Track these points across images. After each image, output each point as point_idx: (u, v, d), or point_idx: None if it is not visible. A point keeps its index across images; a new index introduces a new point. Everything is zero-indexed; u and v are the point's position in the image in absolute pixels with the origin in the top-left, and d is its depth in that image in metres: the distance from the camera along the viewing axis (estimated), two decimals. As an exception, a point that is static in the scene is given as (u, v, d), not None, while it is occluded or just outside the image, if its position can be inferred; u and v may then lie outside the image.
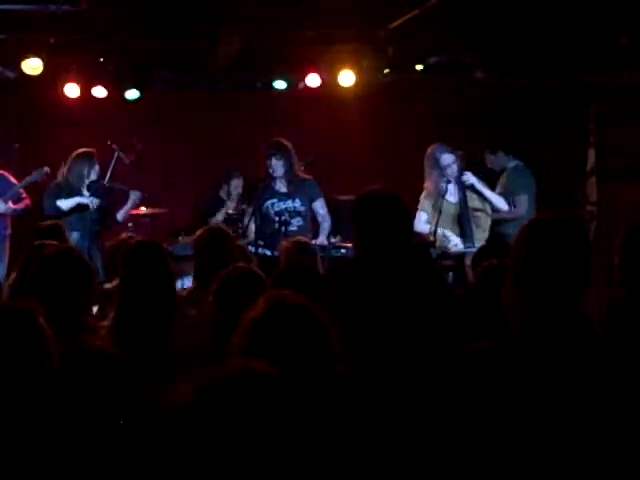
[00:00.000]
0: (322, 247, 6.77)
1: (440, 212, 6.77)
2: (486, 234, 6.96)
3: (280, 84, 8.89)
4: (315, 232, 7.17)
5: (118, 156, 8.11)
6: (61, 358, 2.29)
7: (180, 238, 8.25)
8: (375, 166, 9.33)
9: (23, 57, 7.59)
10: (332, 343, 2.39)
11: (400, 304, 3.54)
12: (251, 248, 6.70)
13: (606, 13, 6.92)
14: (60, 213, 7.47)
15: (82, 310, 3.18)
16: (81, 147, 7.80)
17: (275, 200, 7.09)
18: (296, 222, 7.05)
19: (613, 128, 8.67)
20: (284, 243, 5.60)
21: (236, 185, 8.94)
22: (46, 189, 7.73)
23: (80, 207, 7.61)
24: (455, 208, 6.94)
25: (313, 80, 8.54)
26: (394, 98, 9.39)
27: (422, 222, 6.87)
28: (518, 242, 2.43)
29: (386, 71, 8.60)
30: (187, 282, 7.52)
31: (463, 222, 6.91)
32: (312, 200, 7.14)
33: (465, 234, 6.87)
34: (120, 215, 7.87)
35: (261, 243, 6.95)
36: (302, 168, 7.41)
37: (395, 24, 7.33)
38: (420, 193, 7.09)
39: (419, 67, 8.55)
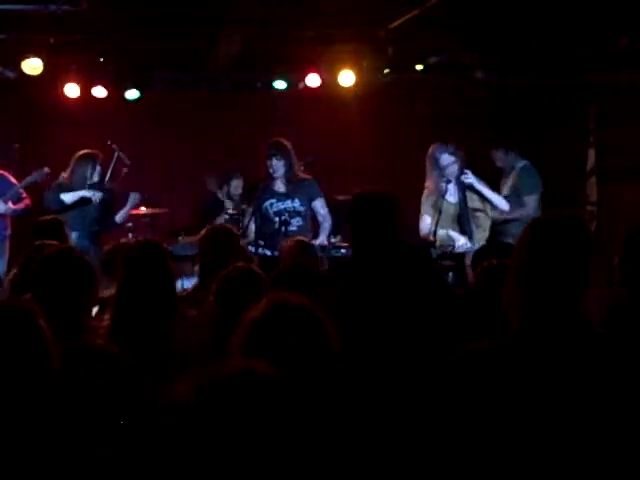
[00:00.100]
0: (322, 247, 6.77)
1: (440, 212, 6.77)
2: (486, 234, 6.95)
3: (280, 84, 8.89)
4: (315, 232, 7.17)
5: (118, 156, 8.11)
6: (61, 357, 2.29)
7: (180, 238, 8.25)
8: (375, 166, 9.34)
9: (23, 57, 7.59)
10: (332, 343, 2.39)
11: (400, 304, 3.54)
12: (251, 248, 6.70)
13: (606, 13, 6.92)
14: (63, 207, 7.49)
15: (83, 310, 3.18)
16: (81, 147, 7.80)
17: (274, 200, 7.09)
18: (296, 222, 7.05)
19: (613, 128, 8.67)
20: (286, 243, 5.60)
21: (236, 185, 8.95)
22: (47, 188, 7.73)
23: (83, 201, 7.62)
24: (455, 208, 6.94)
25: (313, 80, 8.54)
26: (394, 98, 9.39)
27: (426, 225, 6.88)
28: (520, 242, 2.43)
29: (386, 71, 8.60)
30: (187, 282, 7.53)
31: (463, 222, 6.91)
32: (312, 200, 7.13)
33: (465, 234, 6.87)
34: (119, 217, 7.87)
35: (261, 243, 6.95)
36: (302, 168, 7.41)
37: (395, 24, 7.33)
38: (420, 193, 7.08)
39: (419, 67, 8.56)
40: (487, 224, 7.04)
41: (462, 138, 7.31)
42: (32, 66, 7.61)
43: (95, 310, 3.87)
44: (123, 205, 7.87)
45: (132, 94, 8.65)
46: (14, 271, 4.43)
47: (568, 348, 2.26)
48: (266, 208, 7.10)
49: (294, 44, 7.91)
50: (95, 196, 7.63)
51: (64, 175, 7.70)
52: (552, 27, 7.42)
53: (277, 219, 7.01)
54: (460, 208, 6.93)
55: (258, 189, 7.17)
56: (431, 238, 6.75)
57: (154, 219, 8.68)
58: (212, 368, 1.76)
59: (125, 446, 2.38)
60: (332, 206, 7.34)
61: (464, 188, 6.94)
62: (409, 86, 9.21)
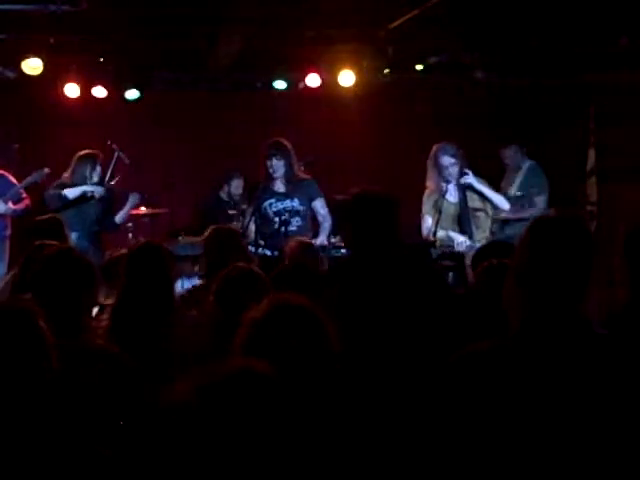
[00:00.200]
0: (322, 247, 6.77)
1: (440, 212, 6.77)
2: (486, 234, 6.95)
3: (280, 84, 8.89)
4: (315, 232, 7.17)
5: (118, 156, 8.12)
6: (61, 357, 2.29)
7: (180, 238, 8.25)
8: (375, 166, 9.34)
9: (23, 57, 7.59)
10: (332, 343, 2.39)
11: (400, 304, 3.54)
12: (251, 248, 6.70)
13: (606, 13, 6.92)
14: (65, 203, 7.50)
15: (83, 310, 3.18)
16: (81, 147, 7.81)
17: (273, 200, 7.09)
18: (296, 222, 7.05)
19: (613, 128, 8.67)
20: (289, 243, 5.61)
21: (237, 185, 8.95)
22: (47, 189, 7.74)
23: (84, 198, 7.62)
24: (455, 208, 6.94)
25: (313, 80, 8.54)
26: (394, 98, 9.39)
27: (428, 227, 6.88)
28: (521, 242, 2.43)
29: (386, 71, 8.61)
30: (187, 282, 7.54)
31: (463, 222, 6.91)
32: (312, 200, 7.13)
33: (465, 234, 6.87)
34: (119, 217, 7.88)
35: (261, 243, 6.95)
36: (302, 168, 7.41)
37: (395, 24, 7.33)
38: (420, 193, 7.09)
39: (419, 67, 8.56)
40: (487, 224, 7.04)
41: (462, 138, 7.31)
42: (32, 66, 7.61)
43: (95, 311, 3.87)
44: (123, 205, 7.88)
45: (132, 94, 8.65)
46: (14, 271, 4.43)
47: (568, 348, 2.26)
48: (266, 208, 7.10)
49: (294, 44, 7.90)
50: (97, 191, 7.65)
51: (65, 175, 7.71)
52: (552, 27, 7.42)
53: (277, 219, 7.01)
54: (460, 208, 6.93)
55: (258, 189, 7.17)
56: (431, 238, 6.76)
57: (154, 219, 8.68)
58: (211, 368, 1.76)
59: (125, 446, 2.38)
60: (332, 206, 7.34)
61: (464, 188, 6.94)
62: (409, 86, 9.21)
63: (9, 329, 2.24)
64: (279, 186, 7.14)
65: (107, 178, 7.91)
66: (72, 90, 8.28)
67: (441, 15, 6.95)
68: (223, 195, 9.03)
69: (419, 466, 2.40)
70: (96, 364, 2.88)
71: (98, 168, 7.76)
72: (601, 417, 2.21)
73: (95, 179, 7.74)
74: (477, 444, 2.08)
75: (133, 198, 7.86)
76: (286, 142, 7.11)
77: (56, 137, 8.88)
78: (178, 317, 3.84)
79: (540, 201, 7.90)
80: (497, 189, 7.43)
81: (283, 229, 6.94)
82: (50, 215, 6.06)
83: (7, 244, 7.89)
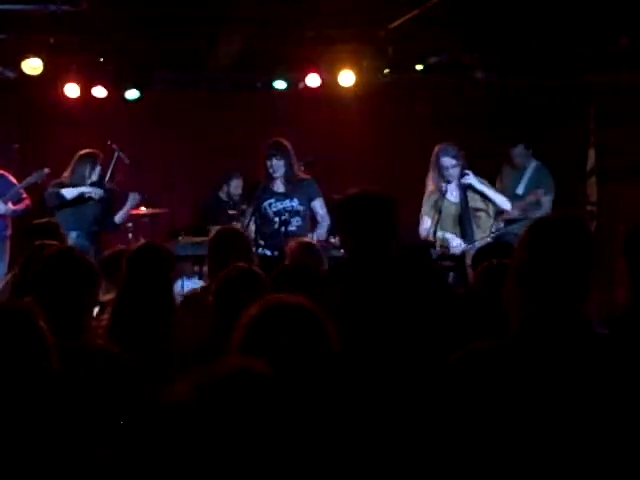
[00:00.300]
0: (319, 242, 6.78)
1: (440, 212, 6.77)
2: (487, 234, 6.95)
3: (280, 84, 8.89)
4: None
5: (118, 156, 8.12)
6: (62, 357, 2.29)
7: (180, 238, 8.26)
8: (375, 166, 9.34)
9: (23, 57, 7.60)
10: (331, 343, 2.39)
11: (400, 304, 3.54)
12: (251, 248, 6.70)
13: (606, 13, 6.92)
14: (63, 202, 7.50)
15: (84, 310, 3.18)
16: (81, 147, 7.82)
17: (273, 200, 7.09)
18: (295, 222, 7.05)
19: (613, 128, 8.68)
20: (289, 243, 5.61)
21: (236, 185, 8.95)
22: (48, 187, 7.75)
23: (83, 199, 7.63)
24: (456, 208, 6.93)
25: (313, 80, 8.54)
26: (394, 98, 9.39)
27: (426, 228, 6.89)
28: (521, 242, 2.43)
29: (386, 71, 8.61)
30: (187, 282, 7.55)
31: (464, 222, 6.91)
32: (311, 200, 7.13)
33: (465, 234, 6.87)
34: (118, 217, 7.88)
35: (261, 243, 6.95)
36: (302, 168, 7.42)
37: (395, 24, 7.33)
38: (420, 193, 7.09)
39: (419, 67, 8.56)
40: (488, 224, 7.03)
41: (462, 138, 7.31)
42: (32, 66, 7.61)
43: (95, 310, 3.87)
44: (123, 205, 7.88)
45: (132, 94, 8.65)
46: (14, 271, 4.43)
47: (568, 348, 2.26)
48: (265, 208, 7.10)
49: (294, 44, 7.90)
50: (95, 193, 7.65)
51: (64, 175, 7.72)
52: (552, 27, 7.42)
53: (277, 219, 7.02)
54: (461, 208, 6.93)
55: (258, 189, 7.18)
56: (431, 239, 6.76)
57: (154, 219, 8.69)
58: (209, 367, 1.76)
59: (125, 446, 2.38)
60: (332, 206, 7.34)
61: (465, 188, 6.94)
62: (409, 86, 9.20)
63: (9, 329, 2.24)
64: (279, 186, 7.14)
65: (107, 178, 7.91)
66: (72, 90, 8.28)
67: (441, 15, 6.95)
68: (222, 195, 9.03)
69: (419, 466, 2.40)
70: (96, 364, 2.88)
71: (98, 168, 7.77)
72: (601, 417, 2.21)
73: (94, 178, 7.75)
74: (477, 444, 2.08)
75: (133, 198, 7.86)
76: (286, 142, 7.11)
77: (56, 137, 8.89)
78: (178, 317, 3.84)
79: (547, 201, 7.92)
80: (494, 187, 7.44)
81: (283, 229, 6.94)
82: (47, 219, 6.07)
83: (7, 244, 7.89)
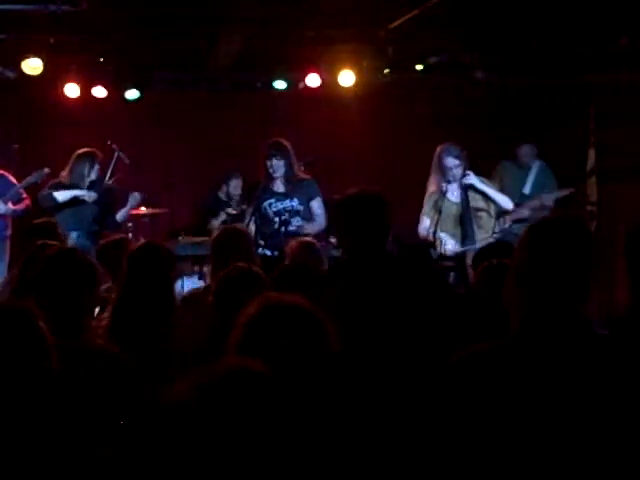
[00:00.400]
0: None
1: (440, 212, 6.77)
2: (488, 234, 6.93)
3: (280, 84, 8.89)
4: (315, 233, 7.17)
5: (118, 156, 8.13)
6: (62, 357, 2.29)
7: (180, 238, 8.27)
8: (375, 166, 9.34)
9: (23, 57, 7.60)
10: (330, 343, 2.39)
11: (401, 304, 3.54)
12: (251, 248, 6.70)
13: (606, 13, 6.92)
14: (55, 205, 7.50)
15: (85, 310, 3.18)
16: (81, 147, 7.81)
17: (273, 200, 7.09)
18: (296, 222, 7.05)
19: (613, 128, 8.67)
20: (290, 243, 5.61)
21: (235, 185, 8.95)
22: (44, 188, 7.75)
23: (76, 201, 7.62)
24: (457, 208, 6.92)
25: (313, 80, 8.54)
26: (394, 98, 9.39)
27: (425, 228, 6.88)
28: (521, 242, 2.43)
29: (386, 71, 8.61)
30: (187, 282, 7.55)
31: (465, 222, 6.90)
32: (310, 199, 7.14)
33: (466, 235, 6.86)
34: (119, 216, 7.88)
35: (261, 243, 6.95)
36: (302, 168, 7.41)
37: (395, 24, 7.33)
38: (420, 193, 7.08)
39: (419, 67, 8.56)
40: (490, 225, 7.02)
41: (462, 138, 7.30)
42: (32, 66, 7.61)
43: (96, 310, 3.87)
44: (124, 204, 7.88)
45: (132, 94, 8.65)
46: (14, 271, 4.43)
47: (569, 349, 2.26)
48: (265, 208, 7.10)
49: (294, 44, 7.90)
50: (88, 196, 7.64)
51: (63, 174, 7.72)
52: (552, 27, 7.42)
53: (277, 219, 7.02)
54: (462, 208, 6.91)
55: (258, 189, 7.18)
56: (430, 239, 6.76)
57: (154, 219, 8.69)
58: (206, 367, 1.76)
59: (125, 446, 2.38)
60: (332, 206, 7.33)
61: (466, 188, 6.93)
62: (409, 86, 9.20)
63: (9, 329, 2.24)
64: (279, 186, 7.14)
65: (107, 178, 7.91)
66: (72, 90, 8.28)
67: (441, 15, 6.95)
68: (222, 195, 9.03)
69: (419, 466, 2.40)
70: (96, 364, 2.88)
71: (96, 167, 7.77)
72: (602, 418, 2.21)
73: (93, 177, 7.75)
74: (478, 444, 2.08)
75: (134, 197, 7.86)
76: (286, 142, 7.11)
77: (56, 137, 8.89)
78: (178, 317, 3.84)
79: (551, 201, 7.93)
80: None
81: (283, 229, 6.95)
82: (45, 219, 6.07)
83: (7, 244, 7.89)
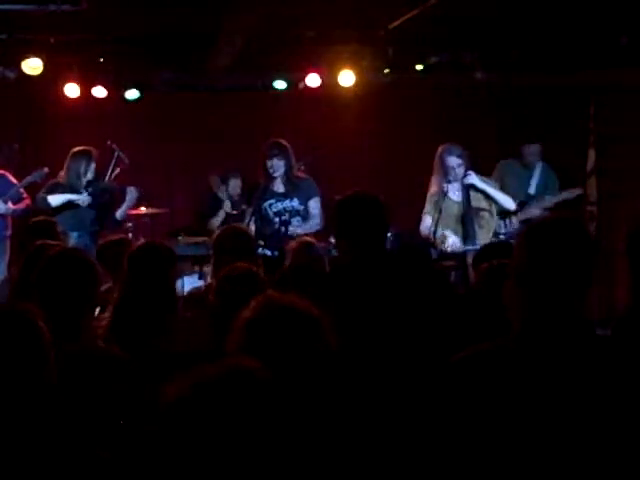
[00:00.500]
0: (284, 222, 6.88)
1: (441, 211, 6.76)
2: (490, 234, 6.93)
3: (280, 84, 8.88)
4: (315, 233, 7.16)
5: (118, 156, 8.12)
6: (61, 359, 2.28)
7: (180, 238, 8.26)
8: (375, 166, 9.34)
9: (23, 57, 7.60)
10: (329, 343, 2.38)
11: (401, 304, 3.54)
12: (251, 248, 6.69)
13: (606, 13, 6.92)
14: (49, 209, 7.50)
15: (86, 310, 3.18)
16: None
17: (273, 200, 7.10)
18: (296, 222, 7.06)
19: (613, 128, 8.67)
20: (290, 243, 5.61)
21: (234, 185, 8.95)
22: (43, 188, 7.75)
23: (71, 205, 7.62)
24: (458, 207, 6.92)
25: (313, 80, 8.53)
26: (394, 98, 9.38)
27: (427, 227, 6.88)
28: (520, 242, 2.43)
29: (386, 71, 8.60)
30: (187, 282, 7.55)
31: (466, 222, 6.90)
32: (309, 199, 7.14)
33: (468, 234, 6.86)
34: (119, 213, 7.88)
35: (261, 243, 6.95)
36: (301, 168, 7.42)
37: (395, 24, 7.33)
38: (421, 192, 7.09)
39: (419, 67, 8.55)
40: (491, 224, 7.02)
41: (462, 138, 7.31)
42: (32, 66, 7.61)
43: (97, 310, 3.88)
44: (122, 202, 7.88)
45: (132, 94, 8.65)
46: (14, 271, 4.43)
47: (569, 349, 2.26)
48: (265, 208, 7.11)
49: (294, 44, 7.90)
50: (82, 201, 7.63)
51: (60, 174, 7.72)
52: (552, 27, 7.42)
53: (277, 219, 7.02)
54: (464, 207, 6.91)
55: (258, 189, 7.18)
56: (431, 238, 6.76)
57: (154, 219, 8.68)
58: (206, 367, 1.76)
59: (125, 447, 2.38)
60: (332, 206, 7.32)
61: (468, 188, 6.93)
62: (409, 86, 9.20)
63: (9, 330, 2.24)
64: (279, 186, 7.14)
65: (107, 178, 7.91)
66: (72, 90, 8.28)
67: (441, 15, 6.95)
68: (221, 195, 9.02)
69: (419, 467, 2.40)
70: (96, 365, 2.88)
71: (92, 165, 7.76)
72: (602, 418, 2.21)
73: (90, 176, 7.74)
74: (478, 444, 2.08)
75: (131, 193, 7.85)
76: (286, 142, 7.12)
77: (56, 137, 8.88)
78: (178, 317, 3.84)
79: (560, 200, 7.91)
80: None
81: (283, 229, 6.95)
82: (43, 217, 6.06)
83: (7, 244, 7.89)
